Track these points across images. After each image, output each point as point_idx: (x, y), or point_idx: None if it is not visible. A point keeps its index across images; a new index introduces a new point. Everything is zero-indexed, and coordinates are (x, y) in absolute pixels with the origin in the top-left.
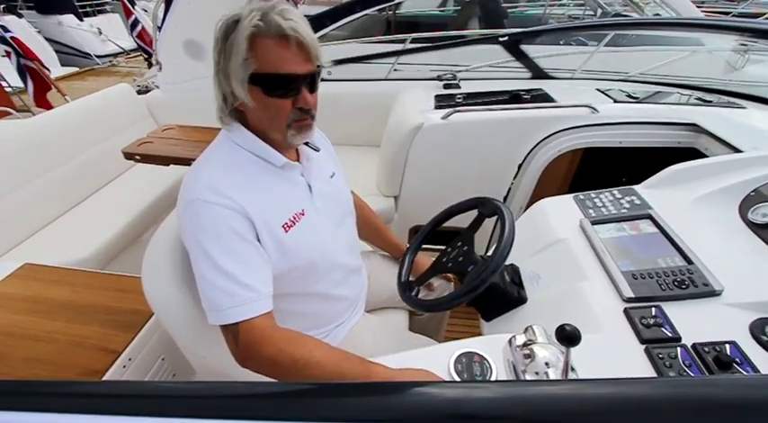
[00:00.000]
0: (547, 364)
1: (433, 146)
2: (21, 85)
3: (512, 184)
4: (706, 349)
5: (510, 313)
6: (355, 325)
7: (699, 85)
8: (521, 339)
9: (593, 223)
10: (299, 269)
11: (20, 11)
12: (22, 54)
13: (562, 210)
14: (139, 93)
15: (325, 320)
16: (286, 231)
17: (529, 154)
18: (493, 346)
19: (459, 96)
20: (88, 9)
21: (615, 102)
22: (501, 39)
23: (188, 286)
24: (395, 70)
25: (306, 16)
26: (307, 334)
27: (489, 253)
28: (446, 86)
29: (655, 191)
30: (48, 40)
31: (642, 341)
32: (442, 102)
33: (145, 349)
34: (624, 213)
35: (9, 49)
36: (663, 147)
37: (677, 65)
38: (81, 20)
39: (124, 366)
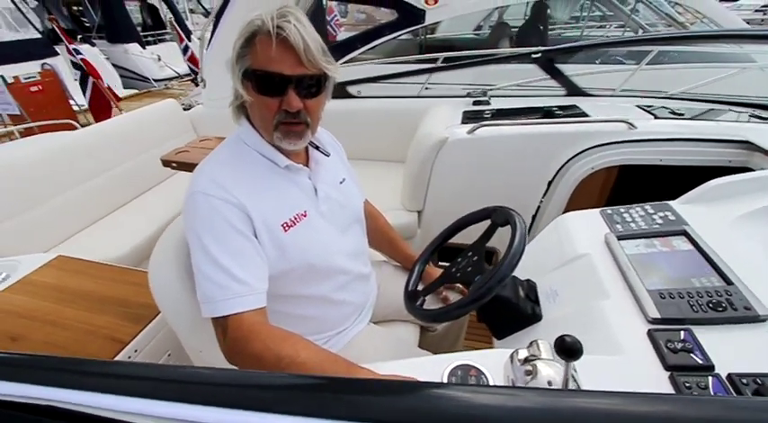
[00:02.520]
0: (549, 382)
1: (458, 161)
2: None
3: (541, 201)
4: (744, 381)
5: (523, 331)
6: (359, 334)
7: (753, 103)
8: (523, 354)
9: (620, 238)
10: (297, 270)
11: (93, 40)
12: (87, 73)
13: (587, 224)
14: (185, 109)
15: (326, 326)
16: (285, 231)
17: (560, 170)
18: (493, 360)
19: (487, 112)
20: (150, 39)
21: (656, 118)
22: (534, 56)
23: (190, 282)
24: (426, 88)
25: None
26: (298, 335)
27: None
28: (476, 103)
29: (693, 207)
30: (114, 65)
31: (667, 367)
32: (470, 117)
33: (153, 342)
34: (656, 229)
35: (76, 70)
36: (712, 166)
37: (727, 82)
38: (144, 48)
39: (129, 357)
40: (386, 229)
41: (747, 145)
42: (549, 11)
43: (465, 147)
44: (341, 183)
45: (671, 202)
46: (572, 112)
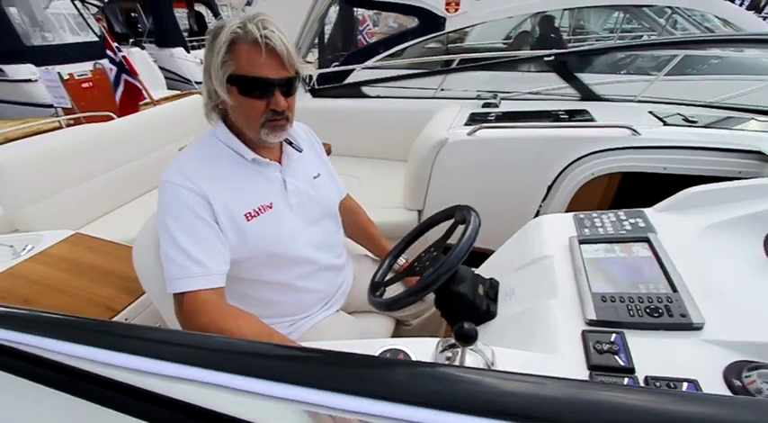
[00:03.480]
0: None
1: (458, 162)
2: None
3: (540, 205)
4: (657, 384)
5: (483, 326)
6: (323, 320)
7: None
8: (448, 342)
9: (582, 242)
10: (258, 257)
11: (143, 44)
12: (126, 70)
13: (558, 228)
14: None
15: (290, 310)
16: (248, 220)
17: (560, 175)
18: (424, 348)
19: (492, 114)
20: (195, 43)
21: (665, 125)
22: (547, 59)
23: None
24: (441, 91)
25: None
26: (246, 313)
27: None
28: (485, 105)
29: (667, 214)
30: (161, 68)
31: (589, 367)
32: (475, 119)
33: (144, 313)
34: (622, 235)
35: (113, 66)
36: (721, 176)
37: (758, 94)
38: (188, 52)
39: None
40: (366, 225)
41: (760, 155)
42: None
43: (465, 148)
44: (314, 178)
45: (646, 210)
46: (579, 117)
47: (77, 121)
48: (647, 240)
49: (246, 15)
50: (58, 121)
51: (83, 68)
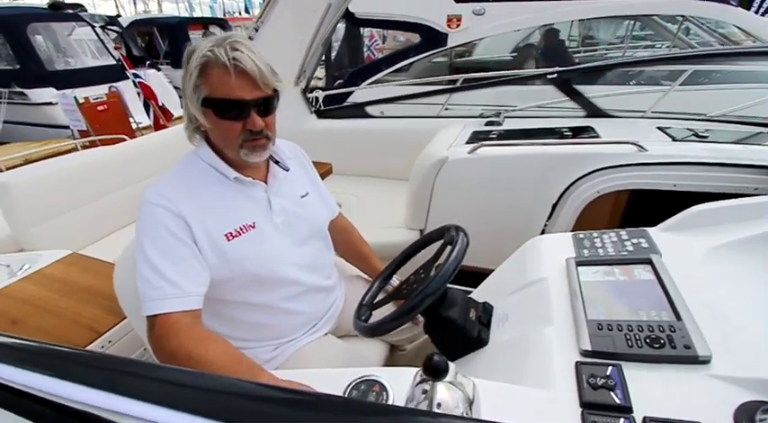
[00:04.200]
0: (439, 404)
1: (459, 180)
2: (145, 121)
3: (546, 224)
4: None
5: (472, 355)
6: (309, 343)
7: None
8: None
9: (579, 264)
10: (241, 278)
11: (159, 66)
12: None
13: (556, 248)
14: None
15: (275, 333)
16: (228, 240)
17: (564, 193)
18: (404, 378)
19: (494, 132)
20: None
21: (674, 140)
22: (549, 76)
23: None
24: (446, 109)
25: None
26: (218, 337)
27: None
28: (488, 124)
29: (671, 234)
30: (176, 88)
31: (582, 404)
32: (477, 137)
33: (128, 336)
34: (623, 256)
35: (139, 90)
36: (736, 193)
37: None
38: None
39: (102, 346)
40: (358, 244)
41: None
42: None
43: (465, 166)
44: (302, 197)
45: (650, 229)
46: (583, 134)
47: (93, 144)
48: (650, 262)
49: (217, 38)
50: (75, 144)
51: (98, 92)
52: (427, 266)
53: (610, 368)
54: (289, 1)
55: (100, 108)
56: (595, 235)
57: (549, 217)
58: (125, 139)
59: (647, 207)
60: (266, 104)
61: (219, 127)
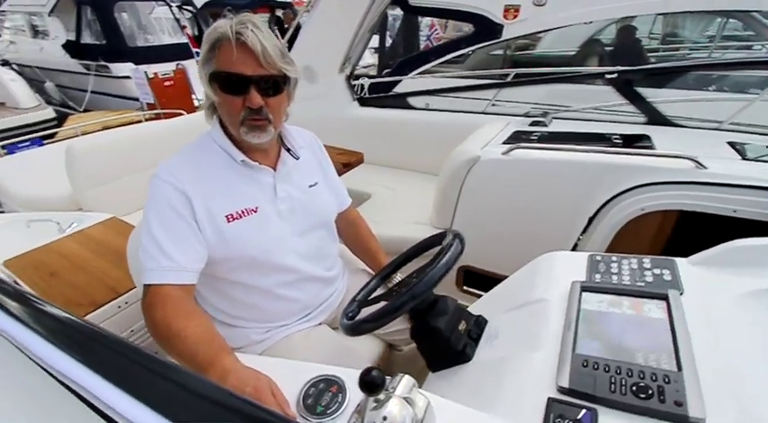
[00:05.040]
0: (385, 417)
1: (490, 182)
2: None
3: (579, 238)
4: None
5: (455, 369)
6: (299, 332)
7: None
8: (385, 384)
9: (585, 289)
10: (238, 259)
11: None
12: None
13: (567, 268)
14: None
15: (267, 316)
16: (228, 221)
17: (603, 207)
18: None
19: (536, 134)
20: None
21: (744, 158)
22: (608, 76)
23: None
24: (492, 105)
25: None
26: (202, 315)
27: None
28: (533, 123)
29: (703, 269)
30: None
31: None
32: (517, 137)
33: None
34: (638, 287)
35: None
36: None
37: None
38: None
39: (119, 307)
40: (365, 238)
41: None
42: (678, 26)
43: (497, 168)
44: (310, 186)
45: (680, 260)
46: (635, 143)
47: (158, 116)
48: (666, 299)
49: (233, 18)
50: (142, 116)
51: (167, 68)
52: (422, 270)
53: (583, 411)
54: None
55: (166, 83)
56: (614, 259)
57: (584, 231)
58: (183, 114)
59: (697, 232)
60: (269, 85)
61: (224, 102)
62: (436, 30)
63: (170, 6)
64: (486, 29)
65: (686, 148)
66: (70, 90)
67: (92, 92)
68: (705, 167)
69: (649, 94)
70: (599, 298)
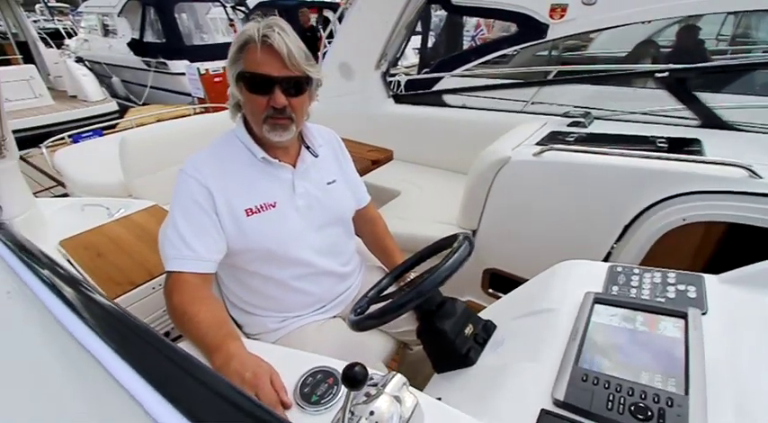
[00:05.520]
0: (372, 412)
1: (520, 184)
2: None
3: (613, 247)
4: None
5: (460, 372)
6: (313, 323)
7: None
8: (376, 380)
9: (598, 301)
10: (256, 251)
11: None
12: None
13: (585, 277)
14: None
15: (283, 307)
16: (248, 215)
17: (640, 215)
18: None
19: (573, 135)
20: None
21: None
22: (659, 75)
23: None
24: (532, 105)
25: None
26: (216, 302)
27: None
28: (571, 124)
29: (733, 288)
30: None
31: None
32: (552, 138)
33: None
34: (657, 303)
35: None
36: None
37: None
38: None
39: (153, 288)
40: (382, 236)
41: None
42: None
43: (529, 170)
44: (329, 183)
45: (709, 276)
46: (683, 147)
47: (207, 110)
48: (685, 317)
49: (262, 21)
50: (193, 109)
51: (217, 65)
52: (432, 270)
53: None
54: None
55: (216, 79)
56: (636, 271)
57: (619, 239)
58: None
59: (745, 247)
60: (293, 85)
61: (249, 101)
62: (482, 30)
63: (224, 7)
64: (530, 29)
65: (741, 154)
66: (132, 85)
67: (151, 87)
68: (759, 177)
69: (707, 99)
70: (611, 311)
